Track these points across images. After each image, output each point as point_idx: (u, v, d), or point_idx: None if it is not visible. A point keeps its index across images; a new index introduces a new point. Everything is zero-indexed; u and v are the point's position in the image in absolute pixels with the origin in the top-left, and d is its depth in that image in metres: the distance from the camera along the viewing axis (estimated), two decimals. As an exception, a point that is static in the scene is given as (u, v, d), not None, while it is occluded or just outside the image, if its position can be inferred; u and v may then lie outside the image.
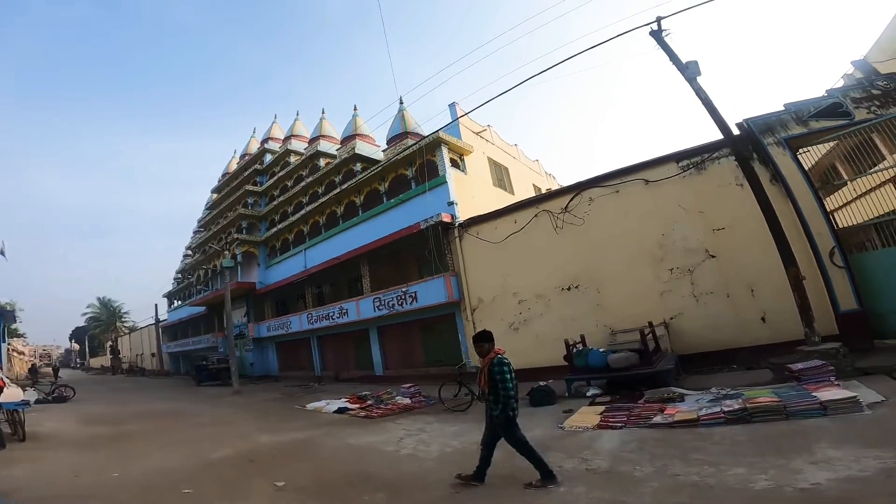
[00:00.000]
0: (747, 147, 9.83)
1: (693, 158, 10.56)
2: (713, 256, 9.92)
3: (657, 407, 6.77)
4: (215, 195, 32.09)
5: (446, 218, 14.47)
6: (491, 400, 4.47)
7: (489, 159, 18.78)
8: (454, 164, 16.17)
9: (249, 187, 26.17)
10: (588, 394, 8.75)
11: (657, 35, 9.86)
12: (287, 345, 23.62)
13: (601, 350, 9.10)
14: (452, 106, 17.22)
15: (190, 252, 36.86)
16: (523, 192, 19.88)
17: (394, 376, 16.17)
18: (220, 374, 23.25)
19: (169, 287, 40.15)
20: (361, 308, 16.82)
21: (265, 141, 28.32)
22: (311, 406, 11.96)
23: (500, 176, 19.44)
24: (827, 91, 10.31)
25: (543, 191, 21.01)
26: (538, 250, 12.50)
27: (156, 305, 39.87)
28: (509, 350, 10.62)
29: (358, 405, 10.96)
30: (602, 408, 7.29)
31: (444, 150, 15.94)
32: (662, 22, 9.80)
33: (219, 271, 27.51)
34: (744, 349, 9.21)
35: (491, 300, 13.47)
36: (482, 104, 15.01)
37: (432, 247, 14.49)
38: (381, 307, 15.89)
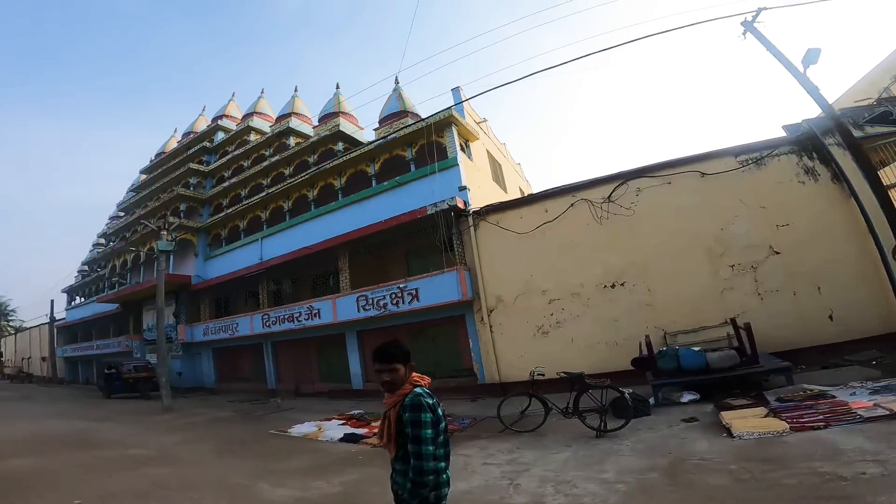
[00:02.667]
0: (807, 146, 9.72)
1: (752, 154, 9.97)
2: (777, 253, 9.31)
3: (833, 403, 5.77)
4: (144, 176, 27.51)
5: (460, 203, 12.39)
6: (397, 472, 2.19)
7: (487, 152, 17.07)
8: (462, 148, 14.22)
9: (194, 165, 22.33)
10: (684, 400, 7.51)
11: (750, 25, 9.96)
12: (228, 352, 19.89)
13: (696, 349, 7.91)
14: (456, 90, 15.41)
15: (102, 241, 31.37)
16: (514, 193, 18.41)
17: (374, 390, 13.51)
18: (139, 386, 19.01)
19: (70, 282, 34.02)
20: (339, 308, 14.04)
21: (218, 118, 24.62)
22: (295, 431, 9.00)
23: (497, 171, 17.78)
24: (876, 100, 10.48)
25: (533, 188, 19.71)
26: (575, 243, 10.96)
27: (51, 301, 33.60)
28: (537, 357, 8.85)
29: (366, 429, 8.36)
30: (761, 410, 6.04)
31: (455, 131, 13.98)
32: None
33: (142, 261, 23.32)
34: (811, 349, 8.59)
35: (513, 300, 11.53)
36: (482, 92, 13.18)
37: (443, 235, 12.31)
38: (368, 307, 13.25)
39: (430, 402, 2.12)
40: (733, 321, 8.54)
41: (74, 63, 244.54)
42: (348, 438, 7.83)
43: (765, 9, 10.41)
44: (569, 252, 10.95)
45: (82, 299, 32.81)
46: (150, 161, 27.70)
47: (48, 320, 33.91)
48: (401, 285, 12.58)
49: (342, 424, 9.01)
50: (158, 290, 15.65)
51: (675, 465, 4.80)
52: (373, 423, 8.93)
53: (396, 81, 18.12)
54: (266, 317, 16.46)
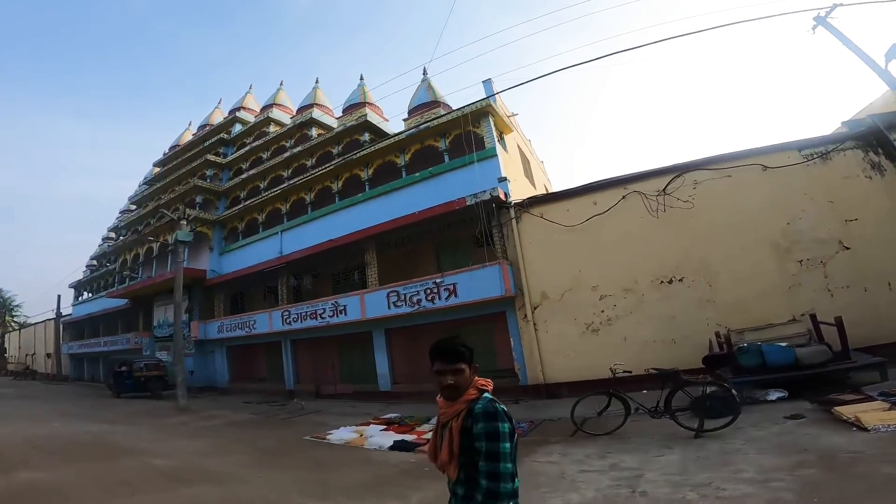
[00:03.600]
0: (871, 142, 9.37)
1: (817, 148, 9.58)
2: (847, 248, 8.94)
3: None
4: (157, 169, 26.92)
5: (501, 194, 11.72)
6: (460, 498, 1.80)
7: (518, 146, 16.42)
8: (497, 139, 13.56)
9: (211, 157, 21.70)
10: (772, 398, 6.99)
11: (823, 20, 10.05)
12: (243, 350, 19.17)
13: (782, 345, 7.39)
14: (488, 82, 14.64)
15: (112, 235, 30.78)
16: (539, 190, 17.72)
17: (404, 392, 12.82)
18: (150, 385, 18.31)
19: (76, 277, 33.39)
20: (367, 304, 13.31)
21: (235, 110, 24.01)
22: (335, 438, 8.18)
23: (526, 167, 17.11)
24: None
25: (555, 188, 18.95)
26: (628, 236, 10.36)
27: (58, 297, 32.88)
28: (588, 357, 8.46)
29: (414, 436, 7.62)
30: (879, 404, 5.58)
31: (491, 122, 13.33)
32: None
33: (154, 254, 22.64)
34: (884, 346, 7.93)
35: (559, 296, 10.85)
36: (513, 86, 12.53)
37: (483, 227, 11.61)
38: (399, 303, 12.52)
39: (504, 409, 1.77)
40: (813, 316, 8.00)
41: (88, 62, 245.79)
42: (400, 446, 7.06)
43: (840, 5, 10.12)
44: (621, 246, 10.38)
45: (90, 295, 32.20)
46: (164, 154, 27.13)
47: (54, 316, 33.21)
48: (437, 280, 11.87)
49: (384, 430, 8.27)
50: (177, 284, 15.00)
51: (826, 459, 4.38)
52: (417, 429, 8.22)
53: (424, 72, 17.47)
54: (287, 313, 15.74)
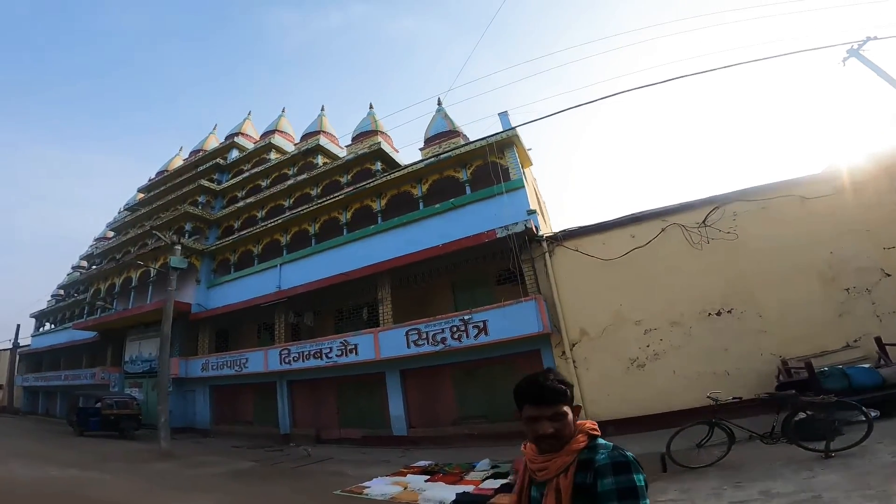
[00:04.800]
0: None
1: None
2: (888, 275, 8.95)
3: None
4: (142, 195, 25.56)
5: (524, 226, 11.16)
6: None
7: (534, 180, 16.08)
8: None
9: (205, 183, 20.61)
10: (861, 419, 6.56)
11: (856, 52, 10.31)
12: (229, 390, 17.57)
13: (866, 366, 7.51)
14: (504, 115, 14.37)
15: (84, 264, 28.81)
16: (551, 226, 17.32)
17: (422, 437, 11.71)
18: (122, 424, 16.42)
19: (40, 306, 30.97)
20: (382, 343, 12.27)
21: (233, 136, 23.10)
22: (374, 492, 6.92)
23: (538, 201, 16.70)
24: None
25: (553, 229, 18.50)
26: (671, 269, 10.10)
27: (17, 326, 30.38)
28: (635, 393, 8.11)
29: (472, 487, 6.55)
30: None
31: (516, 152, 12.91)
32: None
33: (132, 285, 21.03)
34: None
35: (600, 332, 10.30)
36: (534, 120, 12.24)
37: (517, 261, 10.97)
38: (421, 342, 11.54)
39: (633, 457, 1.41)
40: (878, 339, 8.00)
41: (55, 82, 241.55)
42: (466, 500, 5.96)
43: (873, 38, 10.28)
44: (664, 279, 10.09)
45: (52, 325, 29.84)
46: (150, 180, 25.83)
47: (10, 346, 30.63)
48: (465, 317, 11.00)
49: (429, 481, 7.14)
50: (165, 314, 13.65)
51: None
52: (466, 478, 7.14)
53: (439, 103, 17.20)
54: (286, 352, 14.45)
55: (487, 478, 6.98)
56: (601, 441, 1.48)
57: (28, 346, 31.06)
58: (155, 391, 19.77)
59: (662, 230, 10.31)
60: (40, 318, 30.99)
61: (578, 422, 1.52)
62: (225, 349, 18.39)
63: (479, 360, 11.64)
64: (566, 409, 1.48)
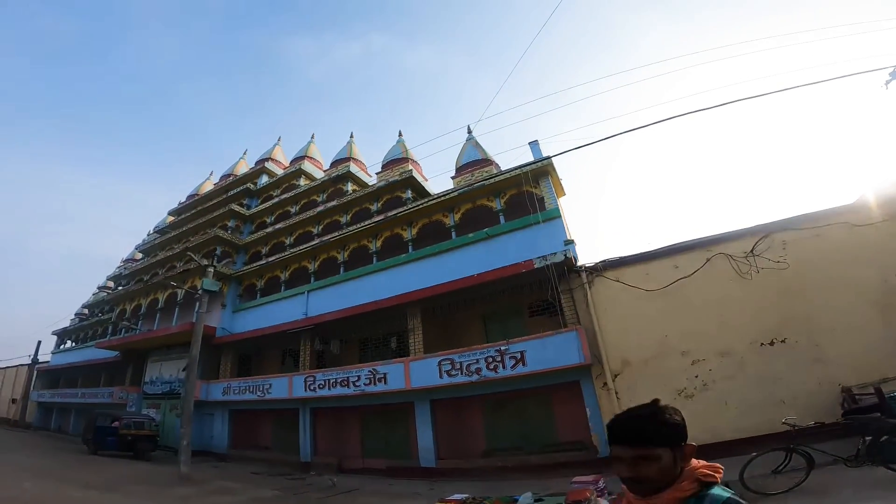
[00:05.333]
0: None
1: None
2: None
3: None
4: (172, 217, 26.04)
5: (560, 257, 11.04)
6: None
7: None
8: (554, 202, 13.04)
9: (236, 207, 20.92)
10: None
11: None
12: (248, 415, 17.33)
13: None
14: (535, 144, 14.38)
15: (111, 284, 29.21)
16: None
17: (451, 469, 11.31)
18: (138, 445, 16.21)
19: (63, 324, 31.26)
20: (413, 373, 12.03)
21: (263, 161, 23.57)
22: None
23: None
24: None
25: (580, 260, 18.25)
26: (718, 300, 9.88)
27: (38, 342, 30.72)
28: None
29: None
30: None
31: (551, 182, 12.88)
32: None
33: (159, 306, 21.17)
34: None
35: (643, 362, 10.05)
36: (570, 150, 12.20)
37: (555, 291, 10.78)
38: (454, 372, 11.29)
39: None
40: None
41: (99, 115, 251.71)
42: None
43: None
44: (712, 309, 9.84)
45: (73, 343, 30.10)
46: (180, 203, 26.34)
47: (29, 361, 30.98)
48: (501, 347, 10.77)
49: None
50: (195, 336, 13.59)
51: None
52: None
53: (469, 131, 17.35)
54: (311, 379, 14.25)
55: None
56: (716, 491, 1.26)
57: (47, 362, 31.37)
58: (172, 413, 19.69)
59: (708, 260, 10.14)
60: (62, 335, 31.31)
61: (691, 464, 1.32)
62: (247, 374, 18.29)
63: (511, 392, 11.35)
64: (660, 451, 1.28)
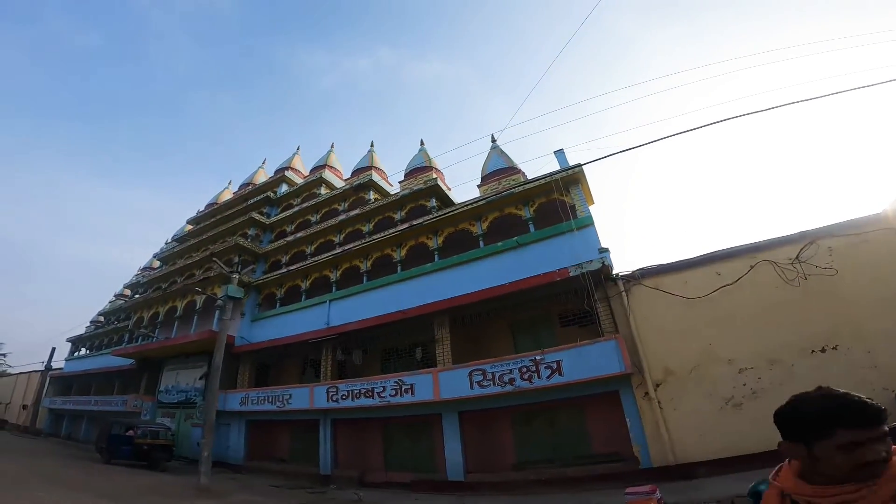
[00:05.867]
0: None
1: None
2: None
3: None
4: (190, 226, 26.09)
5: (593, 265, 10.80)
6: None
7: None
8: (581, 211, 12.80)
9: (257, 216, 20.89)
10: None
11: None
12: (266, 426, 17.02)
13: None
14: (561, 153, 14.21)
15: (128, 292, 29.23)
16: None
17: (480, 482, 10.92)
18: (153, 454, 15.87)
19: (77, 331, 31.29)
20: (441, 383, 11.71)
21: (283, 170, 23.62)
22: None
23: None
24: None
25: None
26: (764, 307, 9.59)
27: (52, 349, 30.78)
28: (732, 432, 8.73)
29: None
30: None
31: (581, 190, 12.66)
32: None
33: (177, 314, 21.05)
34: None
35: (687, 371, 9.72)
36: (602, 157, 11.95)
37: (590, 300, 10.48)
38: (486, 383, 10.96)
39: None
40: None
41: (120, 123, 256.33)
42: None
43: None
44: (759, 316, 9.54)
45: (87, 351, 30.05)
46: (198, 212, 26.40)
47: (42, 367, 30.93)
48: (536, 357, 10.44)
49: None
50: (219, 344, 13.40)
51: None
52: None
53: (493, 140, 17.22)
54: (333, 390, 13.95)
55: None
56: None
57: (60, 369, 31.33)
58: (188, 422, 19.42)
59: (752, 267, 9.85)
60: (77, 342, 31.30)
61: None
62: (265, 384, 18.03)
63: (543, 403, 11.01)
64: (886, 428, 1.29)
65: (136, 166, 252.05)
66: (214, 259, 16.19)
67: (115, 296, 30.65)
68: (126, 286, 29.81)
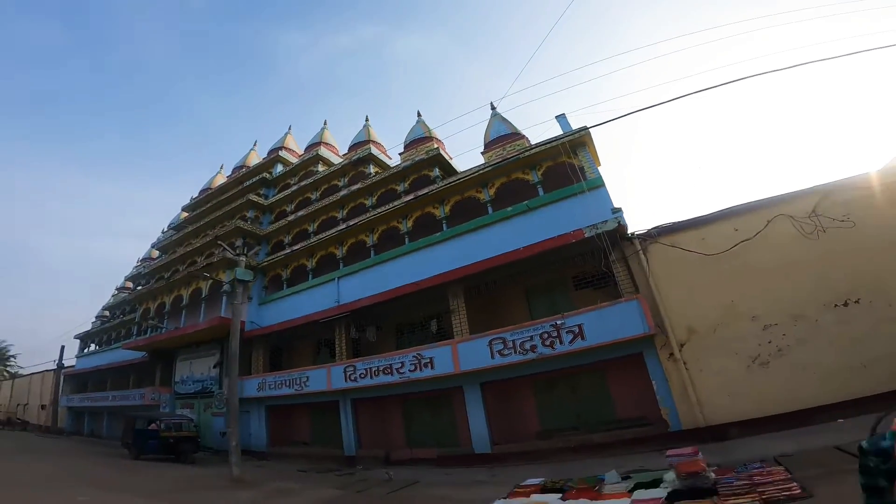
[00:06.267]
0: None
1: None
2: None
3: None
4: (186, 213, 25.60)
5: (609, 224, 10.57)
6: None
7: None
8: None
9: (254, 197, 20.43)
10: None
11: None
12: (285, 410, 17.09)
13: None
14: (562, 117, 13.63)
15: (130, 285, 28.99)
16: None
17: (507, 454, 10.96)
18: (180, 447, 15.92)
19: (84, 328, 31.22)
20: (461, 355, 11.61)
21: (276, 150, 22.99)
22: None
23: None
24: None
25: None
26: (785, 262, 9.37)
27: (62, 347, 30.76)
28: (761, 391, 8.80)
29: (624, 499, 5.78)
30: None
31: (588, 152, 12.26)
32: None
33: (184, 303, 20.87)
34: None
35: (711, 329, 9.56)
36: (609, 120, 11.49)
37: (607, 261, 10.31)
38: (507, 351, 10.86)
39: None
40: None
41: (108, 117, 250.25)
42: None
43: None
44: (780, 271, 9.34)
45: (97, 347, 30.03)
46: (192, 199, 25.86)
47: (55, 367, 31.03)
48: (557, 321, 10.30)
49: (566, 498, 6.31)
50: (233, 328, 13.21)
51: None
52: (606, 492, 6.32)
53: (493, 107, 16.65)
54: (351, 369, 13.88)
55: (634, 489, 6.18)
56: None
57: (72, 366, 31.34)
58: (208, 412, 19.49)
59: (769, 222, 9.59)
60: (85, 339, 31.26)
61: None
62: (279, 368, 17.98)
63: (565, 369, 10.94)
64: None
65: (121, 159, 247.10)
66: (220, 242, 15.80)
67: (117, 289, 30.42)
68: (127, 278, 29.56)
